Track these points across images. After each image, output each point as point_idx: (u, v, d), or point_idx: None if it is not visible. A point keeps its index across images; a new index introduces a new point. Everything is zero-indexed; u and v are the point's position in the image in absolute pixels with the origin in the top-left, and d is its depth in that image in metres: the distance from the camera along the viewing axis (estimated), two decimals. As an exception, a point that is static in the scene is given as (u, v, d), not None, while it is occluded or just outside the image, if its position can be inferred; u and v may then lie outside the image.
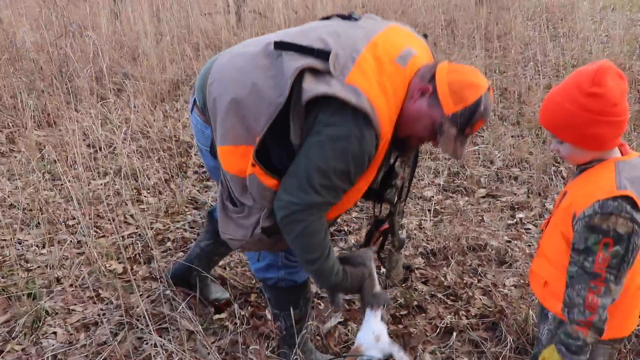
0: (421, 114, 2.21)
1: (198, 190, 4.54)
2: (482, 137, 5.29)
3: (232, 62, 2.37)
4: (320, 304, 3.26)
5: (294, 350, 2.71)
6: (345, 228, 4.00)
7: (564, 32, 8.62)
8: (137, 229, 3.97)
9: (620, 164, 1.80)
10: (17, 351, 2.93)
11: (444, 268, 3.49)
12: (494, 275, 3.41)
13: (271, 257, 2.62)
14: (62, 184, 4.48)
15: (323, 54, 2.13)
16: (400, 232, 3.24)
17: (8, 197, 4.41)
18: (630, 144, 4.46)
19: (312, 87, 2.08)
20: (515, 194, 4.40)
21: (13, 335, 3.02)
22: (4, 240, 3.83)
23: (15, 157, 5.10)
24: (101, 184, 4.55)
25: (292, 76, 2.09)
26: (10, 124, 5.79)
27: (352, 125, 2.09)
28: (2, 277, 3.47)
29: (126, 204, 4.17)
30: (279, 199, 2.19)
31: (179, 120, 5.78)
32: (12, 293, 3.29)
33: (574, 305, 1.79)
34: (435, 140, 2.29)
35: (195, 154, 5.02)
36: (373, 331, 2.34)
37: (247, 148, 2.19)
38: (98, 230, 4.00)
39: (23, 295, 3.23)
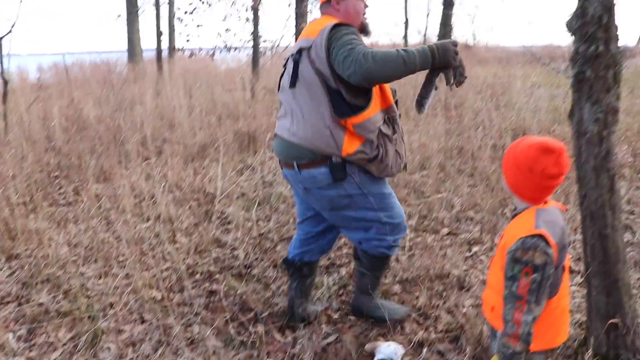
0: (348, 5, 2.75)
1: (221, 232, 4.52)
2: (445, 186, 5.31)
3: (287, 123, 2.73)
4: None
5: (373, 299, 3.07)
6: (337, 262, 3.98)
7: (504, 104, 8.73)
8: (172, 263, 3.94)
9: (540, 210, 1.86)
10: (80, 363, 2.90)
11: (417, 293, 3.46)
12: (455, 298, 3.38)
13: (379, 240, 2.88)
14: (115, 228, 4.47)
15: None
16: None
17: (73, 238, 4.40)
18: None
19: (316, 57, 2.56)
20: (471, 231, 4.38)
21: (77, 349, 2.99)
22: (70, 272, 3.80)
23: (80, 205, 5.11)
24: (145, 227, 4.53)
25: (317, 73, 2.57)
26: (76, 179, 5.81)
27: (343, 26, 2.57)
28: (69, 302, 3.45)
29: (164, 244, 4.15)
30: (351, 73, 2.42)
31: (206, 176, 5.78)
32: (76, 315, 3.27)
33: (507, 321, 1.80)
34: (365, 4, 2.82)
35: (218, 202, 5.01)
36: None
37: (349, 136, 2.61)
38: (142, 264, 3.98)
39: (84, 317, 3.20)
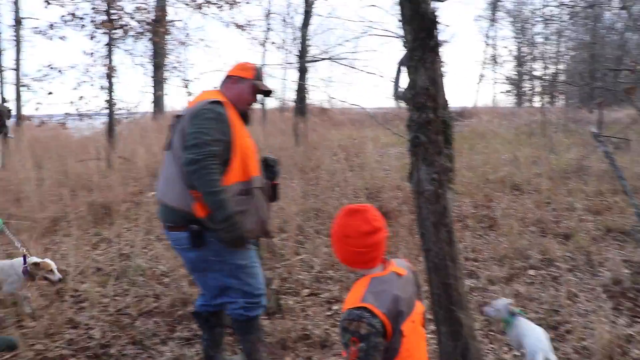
0: (241, 90, 3.03)
1: (74, 312, 4.23)
2: (305, 248, 5.42)
3: (161, 185, 2.95)
4: None
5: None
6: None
7: (357, 164, 9.19)
8: (19, 351, 3.61)
9: (374, 279, 1.92)
10: None
11: (285, 358, 3.46)
12: (319, 358, 3.43)
13: (233, 302, 2.99)
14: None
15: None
16: None
17: None
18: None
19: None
20: (331, 290, 4.48)
21: None
22: None
23: None
24: (-14, 314, 4.13)
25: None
26: None
27: (215, 111, 2.85)
28: None
29: (8, 330, 3.80)
30: (184, 162, 2.71)
31: (57, 252, 5.43)
32: None
33: None
34: (255, 97, 3.10)
35: (72, 280, 4.71)
36: None
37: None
38: (-17, 356, 3.61)
39: None
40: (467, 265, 4.97)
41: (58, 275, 4.08)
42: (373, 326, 1.81)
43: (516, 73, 34.81)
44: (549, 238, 5.70)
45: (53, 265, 4.07)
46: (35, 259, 4.06)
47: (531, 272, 4.86)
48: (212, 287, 3.03)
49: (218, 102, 2.85)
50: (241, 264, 2.96)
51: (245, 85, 3.05)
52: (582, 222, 6.27)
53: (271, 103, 19.46)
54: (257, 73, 3.12)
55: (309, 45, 14.19)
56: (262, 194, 3.02)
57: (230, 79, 3.07)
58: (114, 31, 9.87)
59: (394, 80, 2.83)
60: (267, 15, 15.27)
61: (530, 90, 34.71)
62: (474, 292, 4.38)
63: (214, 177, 2.66)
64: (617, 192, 7.39)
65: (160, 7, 10.96)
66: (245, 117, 3.07)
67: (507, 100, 35.89)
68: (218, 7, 12.02)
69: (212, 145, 2.68)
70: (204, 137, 2.68)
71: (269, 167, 3.25)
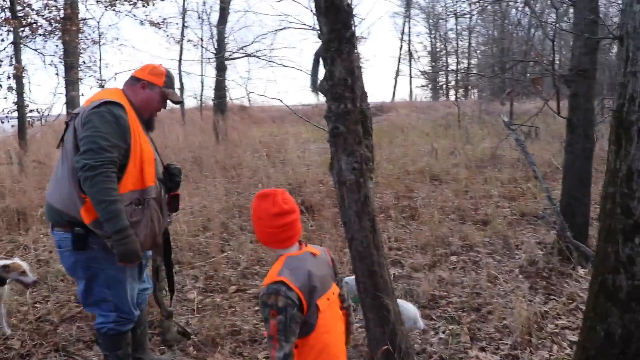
0: (150, 97, 2.86)
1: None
2: (230, 245, 5.38)
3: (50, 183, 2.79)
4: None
5: None
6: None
7: (280, 160, 9.21)
8: None
9: (289, 258, 2.02)
10: None
11: (215, 354, 3.43)
12: (249, 352, 3.42)
13: (104, 316, 2.83)
14: None
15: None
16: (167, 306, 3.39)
17: None
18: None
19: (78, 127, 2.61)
20: (258, 286, 4.47)
21: None
22: None
23: None
24: None
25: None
26: None
27: (111, 112, 2.64)
28: None
29: None
30: (79, 167, 2.51)
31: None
32: None
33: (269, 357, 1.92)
34: (164, 105, 2.96)
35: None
36: None
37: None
38: None
39: None
40: (391, 254, 5.09)
41: (32, 277, 3.71)
42: (289, 298, 1.89)
43: (431, 67, 35.93)
44: (469, 225, 5.94)
45: (25, 266, 3.69)
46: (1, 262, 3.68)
47: (453, 258, 5.04)
48: (89, 295, 2.82)
49: (116, 104, 2.65)
50: (119, 276, 2.80)
51: (155, 92, 2.87)
52: (499, 208, 6.58)
53: (190, 102, 19.16)
54: (168, 80, 2.94)
55: (227, 43, 14.09)
56: (158, 204, 2.82)
57: (139, 82, 2.86)
58: (20, 29, 9.37)
59: (311, 73, 2.85)
60: (183, 12, 15.03)
61: (445, 84, 35.92)
62: (399, 280, 4.50)
63: (110, 185, 2.50)
64: (529, 179, 7.80)
65: (71, 4, 10.50)
66: (149, 122, 2.92)
67: (423, 95, 37.00)
68: (131, 4, 11.70)
69: (110, 151, 2.52)
70: (102, 142, 2.50)
71: (172, 177, 3.02)
